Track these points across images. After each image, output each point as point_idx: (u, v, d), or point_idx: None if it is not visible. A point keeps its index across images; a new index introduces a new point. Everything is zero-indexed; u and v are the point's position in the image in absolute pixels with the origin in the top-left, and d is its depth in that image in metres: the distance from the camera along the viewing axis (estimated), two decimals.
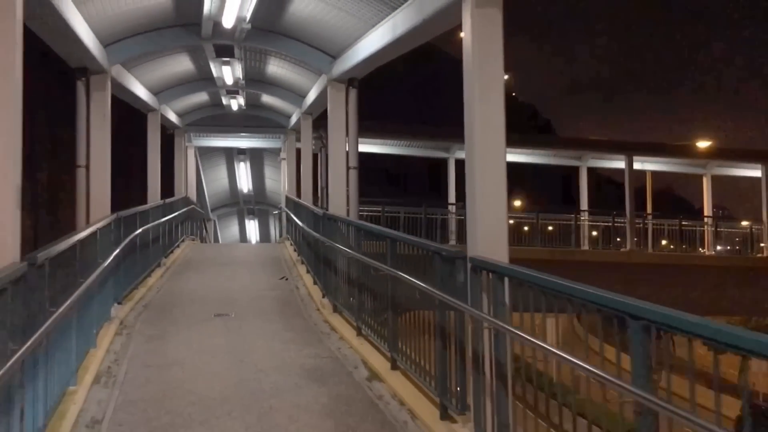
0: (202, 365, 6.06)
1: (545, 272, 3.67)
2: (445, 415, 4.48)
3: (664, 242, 21.21)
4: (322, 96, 11.08)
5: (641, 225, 20.55)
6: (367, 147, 19.15)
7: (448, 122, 25.41)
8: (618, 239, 20.76)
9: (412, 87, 66.03)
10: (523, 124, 64.27)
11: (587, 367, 2.90)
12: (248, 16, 8.50)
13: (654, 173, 23.97)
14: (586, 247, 20.76)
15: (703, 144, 23.84)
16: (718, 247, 22.04)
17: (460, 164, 21.89)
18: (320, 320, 8.12)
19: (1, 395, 3.29)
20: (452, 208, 20.91)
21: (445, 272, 4.57)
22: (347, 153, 9.20)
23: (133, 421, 4.69)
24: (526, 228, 20.79)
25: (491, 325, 3.96)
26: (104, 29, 7.55)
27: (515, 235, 19.80)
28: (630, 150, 20.53)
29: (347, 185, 9.25)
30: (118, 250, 7.50)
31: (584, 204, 22.09)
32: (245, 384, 5.48)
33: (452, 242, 19.56)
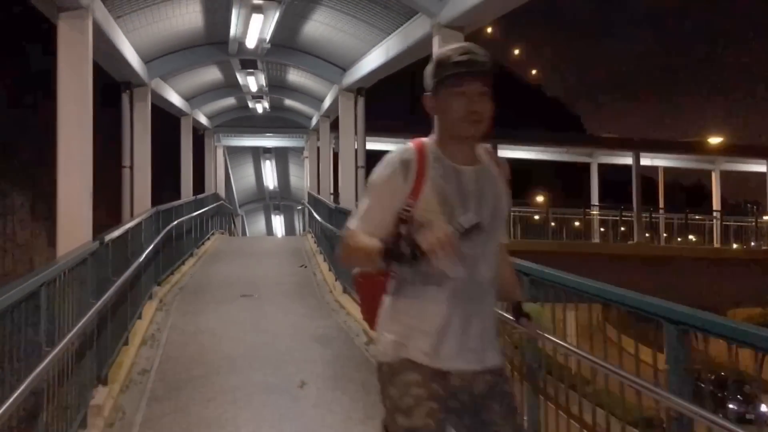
0: (229, 332, 7.27)
1: (553, 265, 3.59)
2: None
3: (665, 235, 21.91)
4: (335, 102, 12.32)
5: (648, 219, 21.35)
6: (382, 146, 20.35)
7: None
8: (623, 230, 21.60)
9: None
10: (551, 120, 63.82)
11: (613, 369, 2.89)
12: (267, 37, 9.77)
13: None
14: (596, 239, 21.73)
15: (715, 140, 24.60)
16: (751, 243, 22.22)
17: None
18: (332, 300, 9.31)
19: (81, 342, 4.48)
20: None
21: None
22: (356, 153, 10.36)
23: (174, 371, 5.90)
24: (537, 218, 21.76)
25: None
26: (146, 49, 8.80)
27: (528, 228, 20.84)
28: (637, 147, 21.34)
29: (356, 182, 10.42)
30: (158, 239, 8.77)
31: (595, 199, 22.99)
32: (264, 346, 6.67)
33: None
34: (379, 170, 2.07)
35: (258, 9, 8.37)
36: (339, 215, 9.78)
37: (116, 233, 5.90)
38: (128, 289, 6.42)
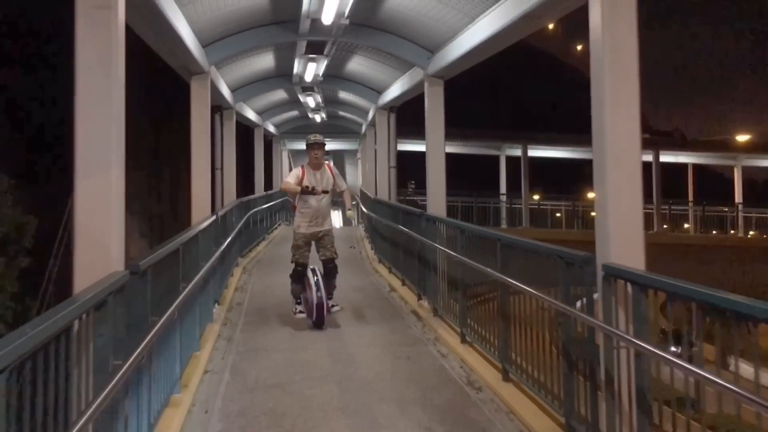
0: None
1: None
2: None
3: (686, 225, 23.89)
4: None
5: (668, 210, 23.44)
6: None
7: (499, 125, 29.05)
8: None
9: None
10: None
11: None
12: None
13: None
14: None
15: (742, 138, 26.37)
16: None
17: (510, 160, 25.64)
18: (370, 268, 12.30)
19: (208, 274, 7.54)
20: (503, 198, 24.76)
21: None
22: (388, 156, 13.30)
23: (257, 303, 8.97)
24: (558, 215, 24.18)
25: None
26: (234, 84, 12.10)
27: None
28: (655, 145, 23.47)
29: (389, 178, 13.38)
30: (242, 222, 11.96)
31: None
32: None
33: (503, 226, 23.37)
34: (293, 170, 7.49)
35: None
36: (377, 205, 12.78)
37: (221, 212, 9.07)
38: (227, 252, 9.57)
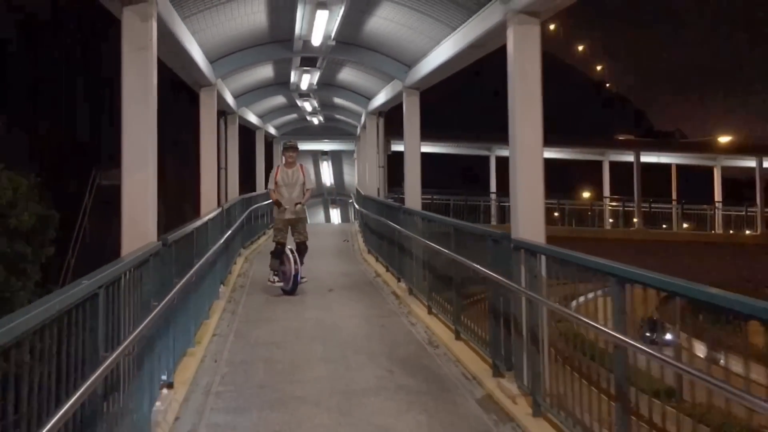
0: None
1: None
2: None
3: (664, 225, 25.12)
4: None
5: (648, 209, 24.68)
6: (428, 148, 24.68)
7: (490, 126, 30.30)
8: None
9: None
10: (615, 116, 64.34)
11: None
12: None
13: None
14: (607, 226, 25.30)
15: (724, 139, 27.60)
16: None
17: (499, 160, 26.90)
18: (360, 258, 13.58)
19: (216, 256, 8.80)
20: (493, 196, 26.03)
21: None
22: (377, 157, 14.56)
23: (258, 285, 10.22)
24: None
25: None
26: (237, 91, 13.39)
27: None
28: (637, 147, 24.72)
29: (377, 177, 14.63)
30: (244, 215, 13.23)
31: (606, 191, 26.46)
32: (317, 280, 10.93)
33: (493, 223, 24.63)
34: (272, 172, 9.05)
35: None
36: (367, 201, 14.05)
37: (227, 205, 10.36)
38: (230, 240, 10.84)
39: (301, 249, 9.41)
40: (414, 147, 10.54)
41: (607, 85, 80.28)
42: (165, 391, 4.80)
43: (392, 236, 10.36)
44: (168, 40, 6.35)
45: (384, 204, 11.84)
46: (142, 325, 3.79)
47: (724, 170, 27.32)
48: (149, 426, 4.25)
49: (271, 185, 9.34)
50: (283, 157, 9.36)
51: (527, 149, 5.48)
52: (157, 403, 4.53)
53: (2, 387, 2.14)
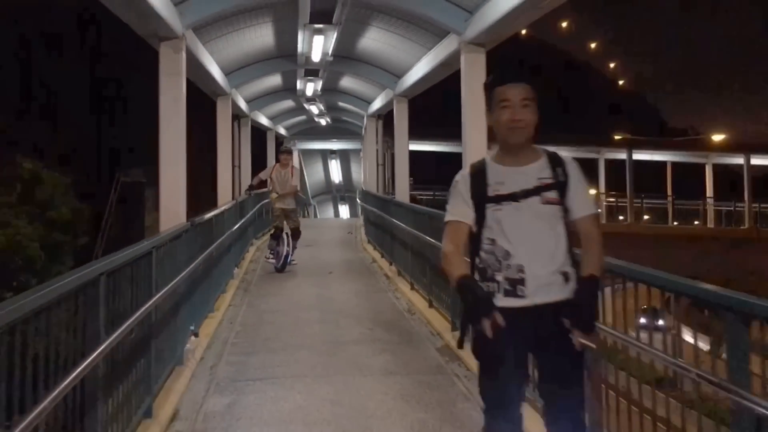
0: (299, 261, 13.04)
1: None
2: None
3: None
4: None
5: (640, 204, 25.90)
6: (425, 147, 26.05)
7: None
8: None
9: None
10: (628, 114, 64.49)
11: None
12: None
13: None
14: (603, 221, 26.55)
15: (718, 137, 28.73)
16: None
17: None
18: (361, 248, 14.99)
19: (234, 238, 10.21)
20: None
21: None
22: (377, 156, 15.93)
23: (267, 271, 11.67)
24: None
25: None
26: (252, 103, 14.85)
27: None
28: (630, 146, 25.94)
29: (376, 175, 16.03)
30: (255, 209, 14.68)
31: (602, 187, 27.71)
32: (319, 265, 12.36)
33: None
34: (268, 168, 9.83)
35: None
36: (366, 196, 15.44)
37: (240, 199, 11.81)
38: (244, 229, 12.28)
39: (295, 234, 11.16)
40: (403, 147, 12.08)
41: (621, 82, 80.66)
42: (193, 338, 6.23)
43: (385, 226, 11.75)
44: (192, 62, 7.74)
45: (379, 197, 13.26)
46: (178, 278, 5.23)
47: (730, 167, 28.45)
48: (183, 359, 5.68)
49: (264, 176, 11.12)
50: (280, 158, 10.97)
51: (475, 147, 6.88)
52: (188, 345, 5.96)
53: (106, 300, 3.53)
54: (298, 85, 14.42)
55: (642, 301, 3.56)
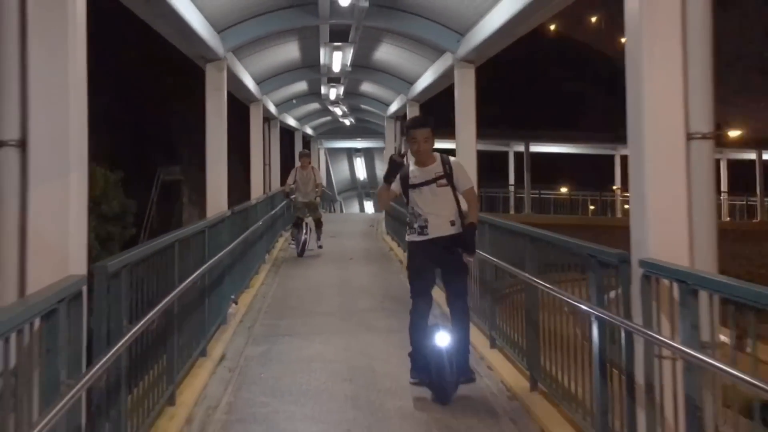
0: (326, 249, 14.42)
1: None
2: None
3: None
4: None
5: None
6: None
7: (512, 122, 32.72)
8: None
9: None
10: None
11: None
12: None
13: None
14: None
15: (734, 133, 29.43)
16: None
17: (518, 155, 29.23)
18: (380, 238, 16.34)
19: (266, 227, 11.61)
20: (511, 188, 28.49)
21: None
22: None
23: (294, 258, 13.09)
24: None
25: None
26: (277, 101, 16.31)
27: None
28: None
29: None
30: (283, 203, 16.12)
31: (618, 183, 28.62)
32: (342, 252, 13.72)
33: (511, 212, 27.09)
34: (291, 173, 12.15)
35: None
36: None
37: (270, 192, 13.26)
38: (273, 220, 13.70)
39: (318, 224, 12.74)
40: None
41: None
42: (233, 305, 7.65)
43: (400, 217, 13.06)
44: (231, 77, 9.15)
45: None
46: (223, 251, 6.64)
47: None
48: (227, 320, 7.09)
49: (290, 181, 12.39)
50: (300, 162, 12.39)
51: (465, 144, 8.29)
52: (230, 310, 7.37)
53: (179, 258, 4.91)
54: (322, 90, 15.79)
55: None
